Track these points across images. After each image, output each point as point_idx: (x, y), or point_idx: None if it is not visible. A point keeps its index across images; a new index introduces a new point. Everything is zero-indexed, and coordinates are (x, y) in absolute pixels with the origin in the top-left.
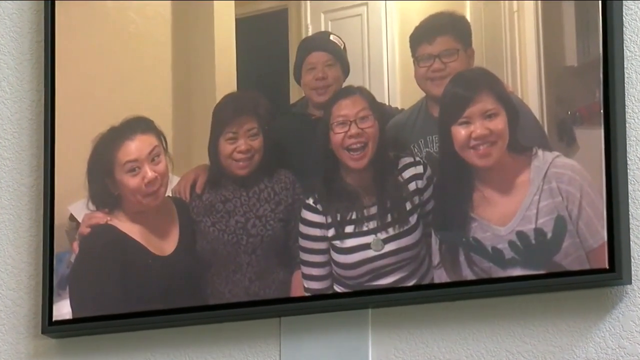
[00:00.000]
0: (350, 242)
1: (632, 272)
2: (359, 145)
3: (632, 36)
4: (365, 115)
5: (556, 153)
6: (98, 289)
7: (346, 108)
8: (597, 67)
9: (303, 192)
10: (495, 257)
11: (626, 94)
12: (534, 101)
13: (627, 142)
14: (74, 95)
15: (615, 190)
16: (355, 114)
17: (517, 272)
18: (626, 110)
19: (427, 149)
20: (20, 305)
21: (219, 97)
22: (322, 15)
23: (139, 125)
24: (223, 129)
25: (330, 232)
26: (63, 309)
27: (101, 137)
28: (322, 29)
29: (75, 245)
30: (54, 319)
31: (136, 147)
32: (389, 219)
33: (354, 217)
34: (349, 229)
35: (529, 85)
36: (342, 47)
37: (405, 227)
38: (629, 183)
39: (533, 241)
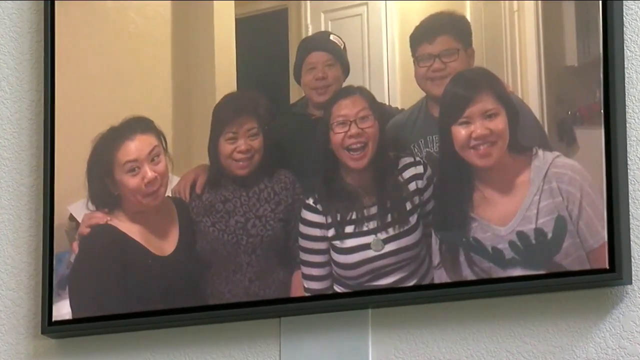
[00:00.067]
0: (350, 242)
1: (633, 272)
2: (359, 145)
3: (632, 36)
4: (365, 115)
5: (556, 153)
6: (98, 289)
7: (346, 108)
8: (598, 67)
9: (303, 192)
10: (495, 257)
11: (626, 93)
12: (534, 101)
13: (628, 142)
14: (74, 95)
15: (615, 191)
16: (355, 114)
17: (518, 272)
18: (626, 110)
19: (427, 149)
20: (20, 306)
21: (218, 97)
22: (322, 15)
23: (139, 125)
24: (223, 129)
25: (330, 232)
26: (63, 309)
27: (101, 137)
28: (322, 29)
29: (75, 245)
30: (54, 319)
31: (136, 147)
32: (389, 219)
33: (354, 217)
34: (349, 229)
35: (529, 85)
36: (342, 47)
37: (406, 227)
38: (629, 183)
39: (533, 241)
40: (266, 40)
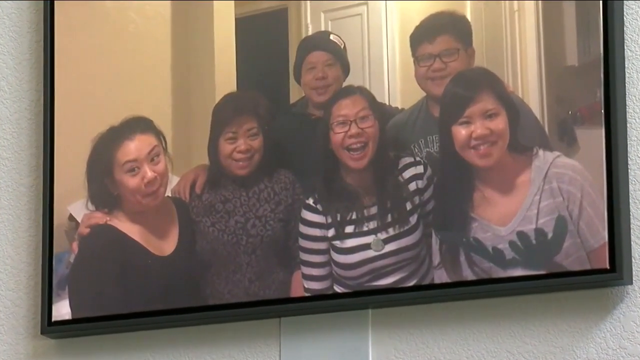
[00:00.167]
0: (350, 242)
1: (633, 273)
2: (359, 145)
3: (632, 36)
4: (366, 115)
5: (557, 153)
6: (97, 289)
7: (346, 108)
8: (598, 67)
9: (303, 192)
10: (495, 257)
11: (627, 93)
12: (534, 101)
13: (628, 142)
14: (74, 95)
15: (616, 190)
16: (355, 114)
17: (518, 272)
18: (627, 110)
19: (428, 149)
20: (19, 306)
21: (218, 96)
22: (322, 15)
23: (139, 125)
24: (223, 128)
25: (330, 232)
26: (62, 309)
27: (100, 137)
28: (322, 29)
29: (75, 246)
30: (54, 319)
31: (135, 147)
32: (389, 219)
33: (354, 217)
34: (349, 229)
35: (529, 85)
36: (342, 46)
37: (406, 227)
38: (629, 183)
39: (534, 241)
40: (266, 40)
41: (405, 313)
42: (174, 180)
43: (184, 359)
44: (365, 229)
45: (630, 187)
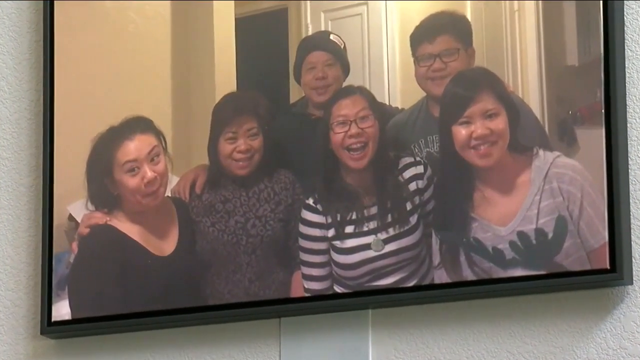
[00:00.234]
0: (350, 243)
1: (634, 273)
2: (359, 145)
3: (633, 35)
4: (366, 115)
5: (557, 153)
6: (97, 289)
7: (346, 108)
8: (598, 67)
9: (303, 192)
10: (495, 257)
11: (627, 93)
12: (534, 101)
13: (629, 142)
14: (73, 95)
15: (616, 191)
16: (355, 114)
17: (518, 272)
18: (627, 109)
19: (428, 149)
20: (19, 306)
21: (218, 96)
22: (322, 15)
23: (138, 125)
24: (223, 128)
25: (330, 233)
26: (62, 310)
27: (100, 137)
28: (322, 29)
29: (75, 246)
30: (53, 319)
31: (135, 147)
32: (389, 219)
33: (354, 217)
34: (349, 229)
35: (529, 85)
36: (342, 46)
37: (406, 228)
38: (630, 183)
39: (534, 241)
40: (266, 40)
41: (405, 313)
42: (173, 180)
43: (184, 359)
44: (365, 229)
45: (631, 187)
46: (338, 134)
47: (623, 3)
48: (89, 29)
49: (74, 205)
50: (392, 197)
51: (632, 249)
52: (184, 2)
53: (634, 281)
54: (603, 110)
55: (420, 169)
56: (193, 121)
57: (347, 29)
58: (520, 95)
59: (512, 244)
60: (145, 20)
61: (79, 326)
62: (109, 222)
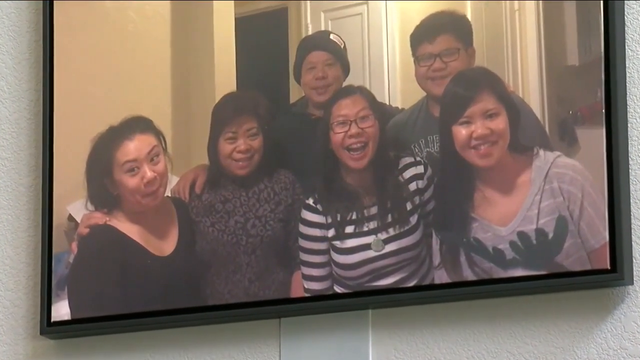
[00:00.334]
0: (350, 243)
1: (634, 273)
2: (359, 145)
3: (633, 35)
4: (366, 114)
5: (557, 153)
6: (97, 289)
7: (346, 108)
8: (599, 67)
9: (303, 192)
10: (496, 257)
11: (628, 93)
12: (535, 101)
13: (629, 142)
14: (73, 94)
15: (616, 190)
16: (355, 114)
17: (518, 272)
18: (628, 109)
19: (428, 149)
20: (18, 306)
21: (218, 96)
22: (322, 15)
23: (138, 125)
24: (222, 128)
25: (331, 233)
26: (62, 310)
27: (100, 137)
28: (322, 28)
29: (74, 246)
30: (53, 319)
31: (135, 147)
32: (390, 219)
33: (354, 217)
34: (349, 229)
35: (530, 85)
36: (342, 46)
37: (406, 228)
38: (630, 183)
39: (534, 241)
40: (266, 39)
41: (406, 313)
42: (173, 180)
43: (184, 359)
44: (365, 229)
45: (631, 187)
46: (338, 134)
47: (623, 3)
48: (89, 28)
49: (74, 205)
50: (392, 197)
51: (633, 249)
52: (184, 2)
53: (634, 281)
54: (603, 110)
55: (420, 169)
56: (193, 121)
57: (347, 28)
58: (520, 95)
59: (512, 244)
60: (145, 20)
61: (79, 326)
62: (108, 222)
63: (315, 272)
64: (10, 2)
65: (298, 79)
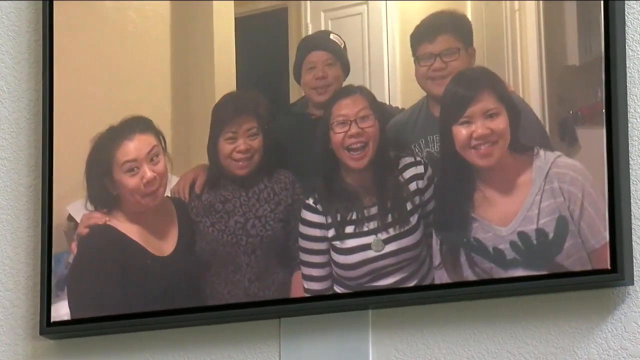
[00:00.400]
0: (350, 243)
1: (635, 273)
2: (359, 145)
3: (634, 35)
4: (366, 114)
5: (558, 153)
6: (97, 289)
7: (346, 107)
8: (599, 67)
9: (303, 192)
10: (496, 257)
11: (628, 93)
12: (535, 100)
13: (630, 142)
14: (72, 94)
15: (617, 191)
16: (355, 114)
17: (519, 272)
18: (628, 109)
19: (428, 149)
20: (18, 306)
21: (218, 96)
22: (322, 14)
23: (138, 124)
24: (222, 128)
25: (331, 233)
26: (61, 310)
27: (100, 137)
28: (322, 28)
29: (74, 246)
30: (52, 320)
31: (135, 146)
32: (390, 219)
33: (354, 217)
34: (349, 229)
35: (530, 85)
36: (342, 46)
37: (406, 228)
38: (631, 183)
39: (534, 242)
40: (266, 39)
41: (406, 313)
42: (173, 180)
43: (184, 359)
44: (365, 229)
45: (632, 187)
46: (338, 134)
47: (624, 2)
48: (88, 28)
49: (73, 205)
50: (393, 197)
51: (633, 249)
52: (184, 1)
53: (634, 281)
54: (604, 110)
55: (420, 169)
56: (193, 121)
57: (347, 28)
58: (520, 95)
59: (512, 244)
60: (145, 19)
61: (78, 326)
62: (108, 222)
63: (315, 272)
64: (9, 2)
65: (298, 79)
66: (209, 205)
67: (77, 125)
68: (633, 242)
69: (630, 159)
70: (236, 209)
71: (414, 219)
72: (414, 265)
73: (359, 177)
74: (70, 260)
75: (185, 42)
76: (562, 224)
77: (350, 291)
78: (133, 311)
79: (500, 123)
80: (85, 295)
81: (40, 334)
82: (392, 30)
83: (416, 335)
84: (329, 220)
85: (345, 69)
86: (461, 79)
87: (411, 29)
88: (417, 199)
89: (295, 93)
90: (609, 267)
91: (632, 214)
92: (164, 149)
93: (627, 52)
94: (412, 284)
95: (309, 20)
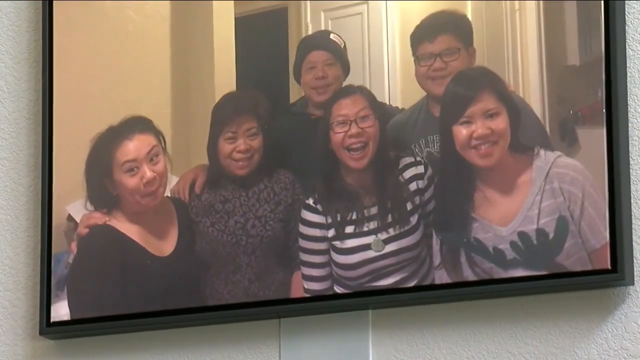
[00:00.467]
0: (350, 243)
1: (635, 273)
2: (359, 145)
3: (634, 35)
4: (366, 114)
5: (558, 153)
6: (96, 289)
7: (346, 107)
8: (599, 66)
9: (303, 192)
10: (496, 257)
11: (628, 93)
12: (535, 100)
13: (630, 142)
14: (72, 94)
15: (617, 190)
16: (355, 114)
17: (519, 272)
18: (628, 109)
19: (428, 149)
20: (18, 306)
21: (218, 96)
22: (322, 14)
23: (138, 124)
24: (222, 128)
25: (331, 233)
26: (61, 310)
27: (99, 137)
28: (322, 28)
29: (74, 246)
30: (52, 320)
31: (135, 146)
32: (390, 219)
33: (354, 217)
34: (349, 229)
35: (530, 85)
36: (342, 46)
37: (406, 228)
38: (631, 183)
39: (535, 242)
40: (266, 39)
41: (406, 314)
42: (173, 180)
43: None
44: (365, 229)
45: (632, 187)
46: (338, 134)
47: (624, 2)
48: (88, 28)
49: (73, 205)
50: (393, 197)
51: (634, 249)
52: (184, 1)
53: (635, 281)
54: (604, 110)
55: (420, 169)
56: (192, 121)
57: (347, 28)
58: (521, 95)
59: (513, 244)
60: (145, 19)
61: (78, 327)
62: (108, 222)
63: (315, 272)
64: (9, 2)
65: (298, 79)
66: (209, 205)
67: (76, 125)
68: (633, 242)
69: (630, 159)
70: (236, 209)
71: (414, 219)
72: (414, 265)
73: (359, 177)
74: (70, 260)
75: (185, 42)
76: (563, 224)
77: (350, 291)
78: (133, 311)
79: (501, 123)
80: (85, 295)
81: (40, 334)
82: (392, 30)
83: (416, 335)
84: (329, 220)
85: (345, 69)
86: (461, 78)
87: (411, 28)
88: (417, 199)
89: (295, 93)
90: (609, 267)
91: (632, 214)
92: (164, 149)
93: (627, 52)
94: (412, 284)
95: (309, 20)
